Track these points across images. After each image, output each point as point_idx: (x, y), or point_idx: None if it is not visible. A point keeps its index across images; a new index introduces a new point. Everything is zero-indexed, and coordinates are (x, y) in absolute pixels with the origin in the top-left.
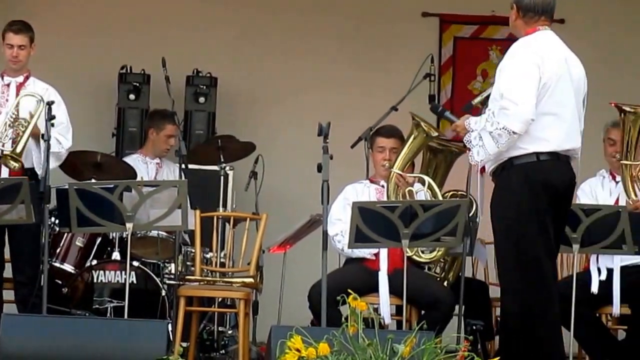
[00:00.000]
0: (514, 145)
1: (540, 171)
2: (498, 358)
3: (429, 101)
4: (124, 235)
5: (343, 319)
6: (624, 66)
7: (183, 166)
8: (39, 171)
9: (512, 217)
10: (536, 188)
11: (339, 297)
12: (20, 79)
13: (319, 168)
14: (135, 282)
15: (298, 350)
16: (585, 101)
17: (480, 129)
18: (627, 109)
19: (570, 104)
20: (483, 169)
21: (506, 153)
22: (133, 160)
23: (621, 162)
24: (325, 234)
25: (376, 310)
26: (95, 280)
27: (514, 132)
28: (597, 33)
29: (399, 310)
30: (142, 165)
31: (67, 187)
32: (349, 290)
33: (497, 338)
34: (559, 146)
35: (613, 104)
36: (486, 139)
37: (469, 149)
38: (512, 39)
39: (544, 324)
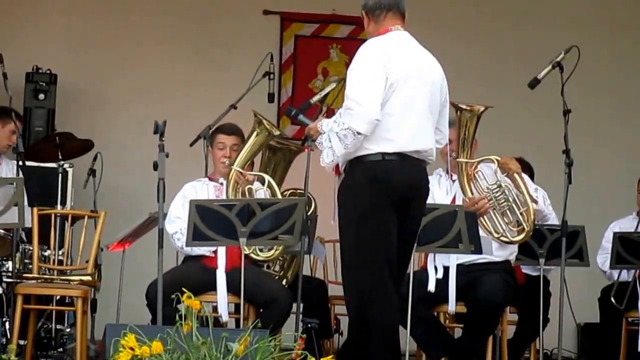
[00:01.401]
0: (360, 145)
1: (384, 170)
2: (331, 356)
3: (268, 99)
4: None
5: (177, 317)
6: (463, 66)
7: (21, 163)
8: None
9: (353, 215)
10: (379, 187)
11: (173, 296)
12: None
13: (155, 166)
14: None
15: (132, 349)
16: (446, 102)
17: (329, 130)
18: (463, 106)
19: (419, 105)
20: (338, 170)
21: (353, 152)
22: None
23: (457, 160)
24: (161, 232)
25: (215, 308)
26: None
27: (358, 133)
28: (437, 34)
29: (237, 308)
30: None
31: None
32: (184, 289)
33: (336, 336)
34: (404, 147)
35: (449, 102)
36: (334, 140)
37: (311, 149)
38: (352, 38)
39: (378, 324)
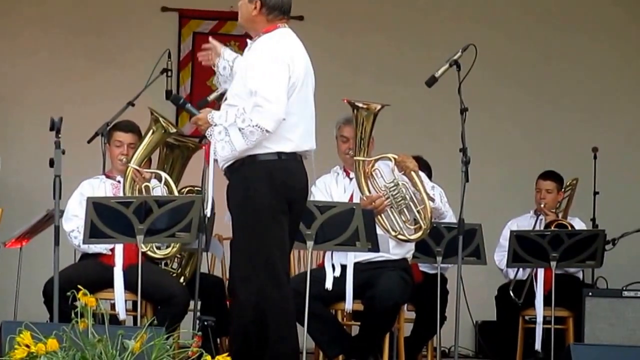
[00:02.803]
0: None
1: (281, 170)
2: (226, 354)
3: (165, 97)
4: None
5: (73, 314)
6: (360, 64)
7: None
8: None
9: (250, 213)
10: (276, 186)
11: (69, 293)
12: None
13: (51, 163)
14: None
15: (27, 346)
16: None
17: (228, 124)
18: (360, 105)
19: (310, 104)
20: (208, 158)
21: (249, 150)
22: None
23: (354, 158)
24: (57, 229)
25: (113, 305)
26: None
27: (267, 131)
28: (335, 30)
29: (135, 305)
30: None
31: None
32: (79, 286)
33: None
34: (299, 146)
35: (345, 101)
36: (234, 135)
37: (204, 144)
38: (251, 36)
39: (276, 322)
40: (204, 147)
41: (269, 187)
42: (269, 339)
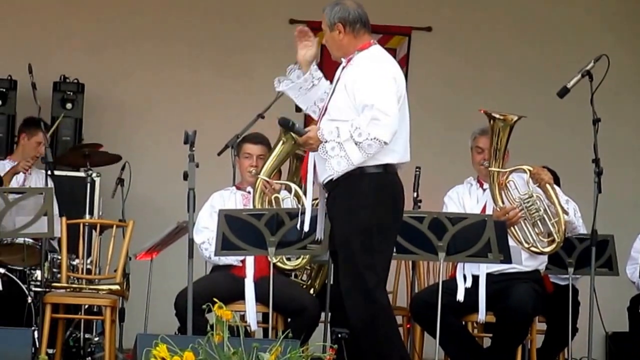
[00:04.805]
0: None
1: (390, 184)
2: None
3: (296, 109)
4: None
5: (209, 327)
6: (488, 73)
7: (49, 173)
8: None
9: (368, 222)
10: (386, 197)
11: (204, 306)
12: None
13: (185, 176)
14: (0, 288)
15: (163, 359)
16: None
17: (343, 140)
18: (497, 116)
19: (407, 118)
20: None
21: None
22: (2, 165)
23: (489, 169)
24: (191, 241)
25: (243, 317)
26: None
27: (385, 143)
28: (462, 41)
29: (265, 317)
30: None
31: None
32: (215, 299)
33: None
34: (402, 158)
35: (482, 111)
36: (351, 149)
37: None
38: (380, 45)
39: (392, 326)
40: None
41: (380, 198)
42: (380, 345)
